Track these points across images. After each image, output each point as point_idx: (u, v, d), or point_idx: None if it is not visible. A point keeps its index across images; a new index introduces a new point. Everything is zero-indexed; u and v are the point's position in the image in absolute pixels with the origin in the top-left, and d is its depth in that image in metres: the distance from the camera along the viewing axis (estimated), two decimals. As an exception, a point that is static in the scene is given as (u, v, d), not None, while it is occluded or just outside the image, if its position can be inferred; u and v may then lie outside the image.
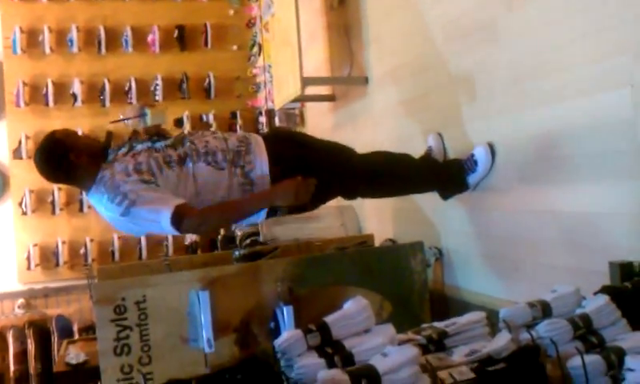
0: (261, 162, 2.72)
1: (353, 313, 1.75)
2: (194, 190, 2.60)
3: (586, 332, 1.73)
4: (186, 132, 2.84)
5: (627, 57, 2.23)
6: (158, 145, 2.67)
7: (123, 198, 2.45)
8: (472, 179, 3.10)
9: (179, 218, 2.41)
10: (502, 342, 1.67)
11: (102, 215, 2.63)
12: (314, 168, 2.79)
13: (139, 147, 2.67)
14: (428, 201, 3.41)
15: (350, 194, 3.22)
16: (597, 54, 2.37)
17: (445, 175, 3.22)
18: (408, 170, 3.18)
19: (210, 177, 2.63)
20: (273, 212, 2.82)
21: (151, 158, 2.59)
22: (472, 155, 3.08)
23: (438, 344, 1.79)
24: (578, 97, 2.47)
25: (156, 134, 2.82)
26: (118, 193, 2.47)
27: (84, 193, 2.64)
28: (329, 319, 1.71)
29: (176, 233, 2.50)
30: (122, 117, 2.90)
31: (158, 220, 2.42)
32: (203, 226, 2.55)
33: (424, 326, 1.91)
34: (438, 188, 3.25)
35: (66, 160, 2.55)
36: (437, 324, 1.88)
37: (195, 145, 2.66)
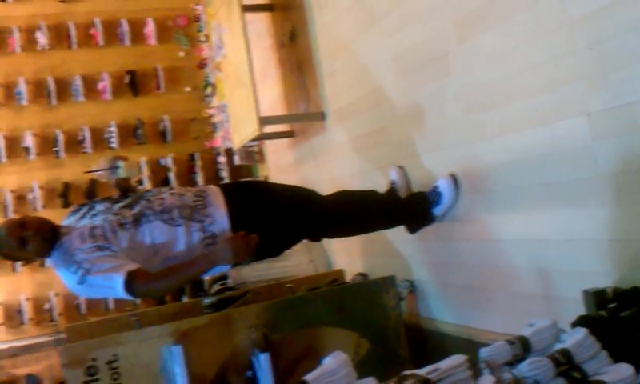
0: (220, 215, 2.70)
1: (333, 369, 1.72)
2: (151, 250, 2.59)
3: (568, 368, 1.73)
4: (145, 190, 2.83)
5: (581, 84, 2.26)
6: (115, 207, 2.66)
7: (78, 267, 2.47)
8: (438, 211, 3.11)
9: (130, 284, 2.43)
10: (485, 385, 1.66)
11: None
12: (276, 216, 2.81)
13: (98, 207, 2.68)
14: (396, 233, 3.40)
15: (316, 237, 3.18)
16: (551, 82, 2.40)
17: (410, 210, 3.21)
18: (372, 209, 3.16)
19: (167, 234, 2.61)
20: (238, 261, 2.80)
21: (106, 221, 2.58)
22: (435, 187, 3.09)
23: (421, 393, 1.77)
24: (536, 126, 2.50)
25: (125, 187, 2.83)
26: (73, 262, 2.48)
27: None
28: (309, 378, 1.67)
29: (132, 298, 2.50)
30: (94, 168, 2.89)
31: (113, 286, 2.43)
32: (151, 293, 2.53)
33: (405, 373, 1.87)
34: (405, 223, 3.25)
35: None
36: (419, 372, 1.85)
37: (151, 203, 2.67)
